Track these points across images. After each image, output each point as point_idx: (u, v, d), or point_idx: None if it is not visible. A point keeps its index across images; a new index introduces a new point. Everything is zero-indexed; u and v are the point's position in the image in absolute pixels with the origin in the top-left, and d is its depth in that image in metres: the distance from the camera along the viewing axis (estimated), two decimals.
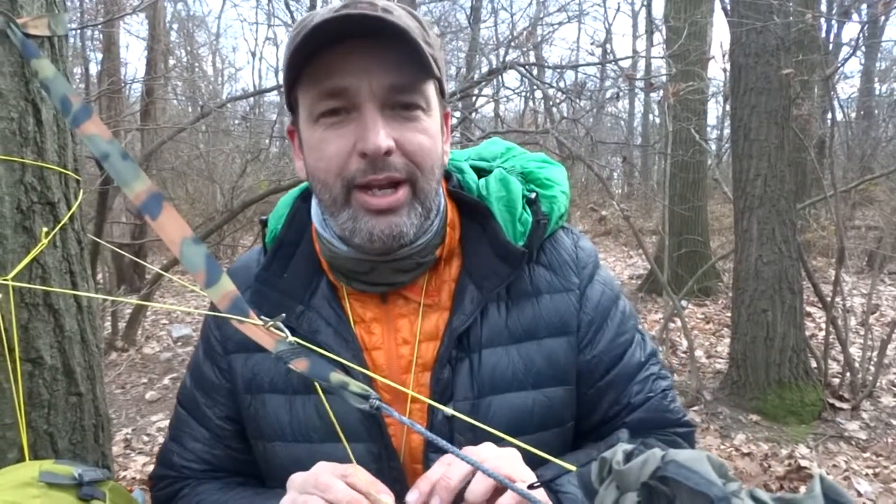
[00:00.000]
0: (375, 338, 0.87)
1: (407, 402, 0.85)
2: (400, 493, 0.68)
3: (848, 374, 4.40)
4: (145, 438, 4.30)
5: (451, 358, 0.85)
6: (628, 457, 0.46)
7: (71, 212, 1.04)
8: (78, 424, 1.04)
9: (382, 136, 0.75)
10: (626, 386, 0.92)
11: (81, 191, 1.10)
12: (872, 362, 4.48)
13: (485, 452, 0.70)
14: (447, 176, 0.94)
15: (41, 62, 0.89)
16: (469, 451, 0.70)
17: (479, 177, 0.95)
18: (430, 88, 0.81)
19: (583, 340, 0.91)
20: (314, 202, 0.90)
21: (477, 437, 0.77)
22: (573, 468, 0.50)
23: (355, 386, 0.65)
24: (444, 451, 0.80)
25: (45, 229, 0.98)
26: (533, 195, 0.91)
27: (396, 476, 0.84)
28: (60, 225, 1.01)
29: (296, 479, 0.71)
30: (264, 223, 0.97)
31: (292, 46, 0.75)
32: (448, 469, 0.68)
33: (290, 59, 0.76)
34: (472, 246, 0.90)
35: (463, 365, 0.85)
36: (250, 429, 0.94)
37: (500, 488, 0.66)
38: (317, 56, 0.75)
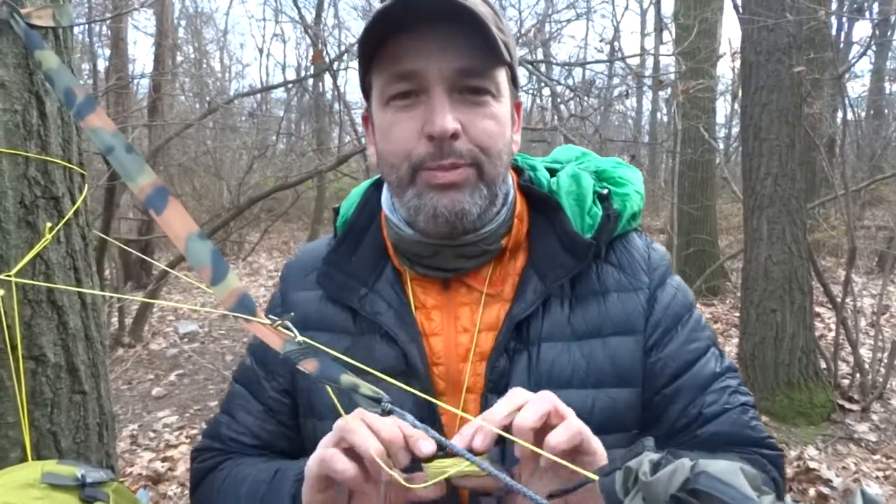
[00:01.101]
0: (435, 324, 0.87)
1: (462, 392, 0.84)
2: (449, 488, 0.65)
3: (858, 375, 4.36)
4: (151, 435, 4.30)
5: (508, 348, 0.84)
6: (655, 467, 0.43)
7: (75, 207, 1.02)
8: (82, 423, 1.03)
9: (449, 119, 0.76)
10: (697, 396, 0.87)
11: (87, 185, 1.08)
12: (883, 363, 4.44)
13: (536, 394, 0.67)
14: (519, 171, 0.94)
15: (45, 53, 0.87)
16: (519, 392, 0.68)
17: (552, 176, 0.95)
18: (501, 75, 0.81)
19: (649, 341, 0.88)
20: (385, 188, 0.92)
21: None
22: (595, 477, 0.47)
23: (366, 388, 0.62)
24: (494, 442, 0.79)
25: (48, 224, 0.97)
26: (605, 191, 0.91)
27: None
28: (65, 220, 0.99)
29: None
30: (336, 210, 1.00)
31: (365, 31, 0.77)
32: (493, 408, 0.66)
33: (363, 44, 0.78)
34: (538, 239, 0.89)
35: (521, 357, 0.84)
36: (303, 405, 0.93)
37: (551, 419, 0.64)
38: (388, 40, 0.77)
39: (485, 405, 0.82)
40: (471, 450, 0.63)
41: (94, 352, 1.07)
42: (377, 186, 0.97)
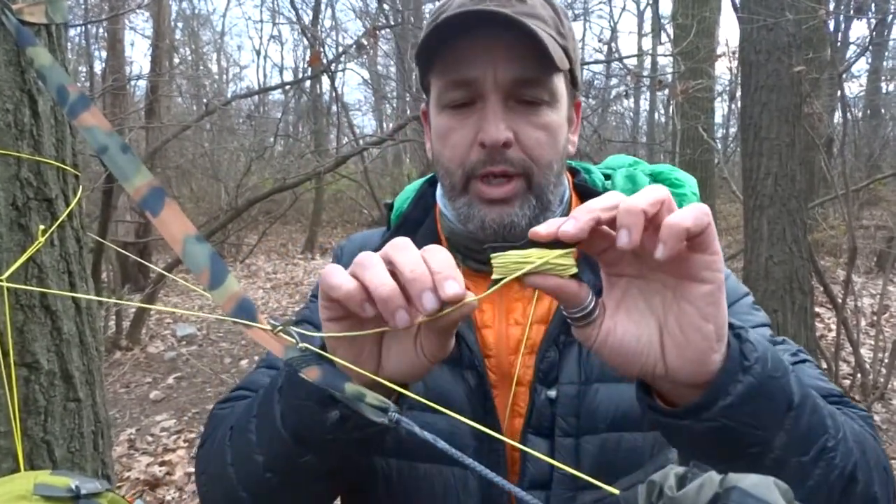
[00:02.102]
0: (486, 316, 0.88)
1: (512, 385, 0.84)
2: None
3: (859, 375, 4.35)
4: (149, 438, 4.28)
5: (558, 340, 0.83)
6: (681, 481, 0.41)
7: (69, 209, 1.00)
8: (76, 432, 1.01)
9: (502, 128, 0.78)
10: None
11: (81, 187, 1.06)
12: (883, 364, 4.42)
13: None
14: (574, 171, 0.96)
15: (37, 50, 0.85)
16: (615, 193, 0.56)
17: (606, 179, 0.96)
18: (559, 80, 0.82)
19: None
20: (439, 184, 0.93)
21: (580, 422, 0.79)
22: (616, 491, 0.45)
23: (373, 398, 0.59)
24: (543, 434, 0.80)
25: (41, 227, 0.95)
26: None
27: (498, 459, 0.81)
28: (58, 222, 0.97)
29: None
30: (389, 206, 1.01)
31: (425, 36, 0.79)
32: (590, 201, 0.56)
33: (421, 49, 0.80)
34: None
35: (571, 349, 0.83)
36: None
37: (663, 212, 0.52)
38: (447, 46, 0.78)
39: (534, 397, 0.82)
40: (556, 240, 0.52)
41: (89, 358, 1.04)
42: (431, 183, 0.99)
